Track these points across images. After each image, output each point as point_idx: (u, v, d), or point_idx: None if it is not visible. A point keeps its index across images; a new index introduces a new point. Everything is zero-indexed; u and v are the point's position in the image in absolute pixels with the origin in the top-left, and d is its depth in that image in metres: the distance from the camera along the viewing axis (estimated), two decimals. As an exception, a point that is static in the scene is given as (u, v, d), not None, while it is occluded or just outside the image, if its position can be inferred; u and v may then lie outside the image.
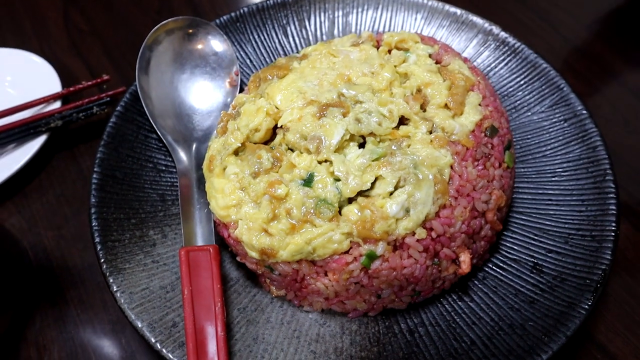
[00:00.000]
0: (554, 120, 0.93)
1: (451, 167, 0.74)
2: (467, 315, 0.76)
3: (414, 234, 0.70)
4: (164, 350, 0.69)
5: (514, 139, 0.93)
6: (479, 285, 0.79)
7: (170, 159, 0.91)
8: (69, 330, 0.82)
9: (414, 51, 0.85)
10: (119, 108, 0.92)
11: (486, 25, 1.03)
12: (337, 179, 0.72)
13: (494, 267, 0.81)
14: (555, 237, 0.81)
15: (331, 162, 0.73)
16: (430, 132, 0.76)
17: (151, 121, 0.91)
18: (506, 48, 1.01)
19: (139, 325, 0.71)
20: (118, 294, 0.73)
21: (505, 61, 1.01)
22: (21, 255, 0.87)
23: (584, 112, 0.90)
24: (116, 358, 0.79)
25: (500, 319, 0.74)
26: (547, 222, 0.83)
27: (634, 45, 1.18)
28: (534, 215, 0.84)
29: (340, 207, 0.72)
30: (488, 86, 0.84)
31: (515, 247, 0.82)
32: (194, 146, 0.91)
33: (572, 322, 0.70)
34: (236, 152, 0.79)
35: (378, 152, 0.74)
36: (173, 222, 0.85)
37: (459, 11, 1.05)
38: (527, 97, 0.96)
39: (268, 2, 1.08)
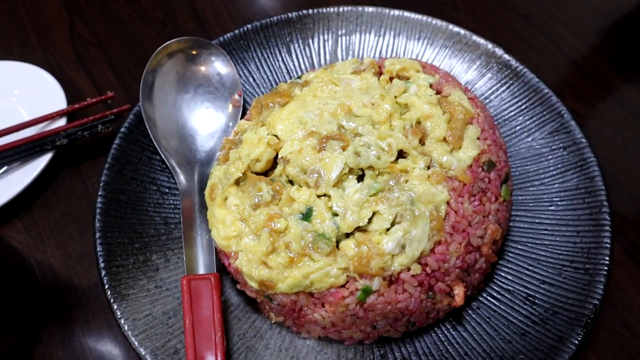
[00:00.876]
0: (553, 147, 0.94)
1: (447, 203, 0.75)
2: (459, 346, 0.78)
3: (409, 269, 0.72)
4: (165, 379, 0.72)
5: (513, 165, 0.94)
6: (473, 315, 0.81)
7: (174, 181, 0.93)
8: (75, 349, 0.85)
9: (415, 81, 0.86)
10: (122, 129, 0.94)
11: (489, 46, 1.03)
12: (335, 214, 0.74)
13: (487, 297, 0.82)
14: (549, 268, 0.82)
15: (329, 197, 0.74)
16: (428, 167, 0.77)
17: (154, 143, 0.93)
18: (508, 71, 1.01)
19: (142, 353, 0.74)
20: (122, 321, 0.76)
21: (507, 84, 1.01)
22: (27, 273, 0.90)
23: (584, 140, 0.91)
24: (120, 379, 0.82)
25: (492, 350, 0.76)
26: (542, 253, 0.84)
27: (637, 66, 1.17)
28: (529, 245, 0.86)
29: (338, 241, 0.74)
30: (487, 118, 0.85)
31: (510, 277, 0.83)
32: (197, 169, 0.93)
33: (561, 357, 0.72)
34: (237, 182, 0.81)
35: (376, 188, 0.75)
36: (176, 246, 0.87)
37: (462, 31, 1.05)
38: (528, 122, 0.97)
39: (272, 19, 1.09)
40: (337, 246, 0.74)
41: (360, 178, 0.78)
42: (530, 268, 0.83)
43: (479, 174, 0.79)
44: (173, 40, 0.97)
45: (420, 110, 0.82)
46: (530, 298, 0.80)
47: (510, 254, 0.86)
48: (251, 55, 1.07)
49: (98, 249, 0.82)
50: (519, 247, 0.86)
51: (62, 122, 1.04)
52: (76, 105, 1.05)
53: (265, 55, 1.08)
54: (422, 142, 0.80)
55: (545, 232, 0.86)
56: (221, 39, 1.05)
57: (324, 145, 0.78)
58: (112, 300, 0.78)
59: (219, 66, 0.98)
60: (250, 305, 0.83)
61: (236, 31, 1.07)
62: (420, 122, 0.82)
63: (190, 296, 0.76)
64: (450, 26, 1.06)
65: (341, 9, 1.09)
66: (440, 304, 0.77)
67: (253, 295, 0.79)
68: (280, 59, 1.08)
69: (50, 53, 1.19)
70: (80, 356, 0.84)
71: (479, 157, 0.79)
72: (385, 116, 0.81)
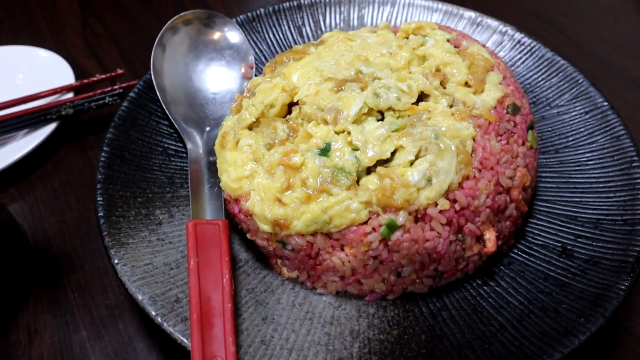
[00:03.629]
0: (574, 113, 0.91)
1: (474, 139, 0.71)
2: (493, 300, 0.70)
3: (436, 204, 0.66)
4: (165, 324, 0.64)
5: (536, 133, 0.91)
6: (505, 271, 0.74)
7: (181, 145, 0.89)
8: (64, 314, 0.76)
9: (432, 36, 0.85)
10: (131, 94, 0.91)
11: (501, 26, 1.03)
12: (356, 149, 0.69)
13: (520, 253, 0.76)
14: (584, 222, 0.76)
15: (349, 133, 0.70)
16: (451, 107, 0.74)
17: (164, 107, 0.89)
18: (522, 47, 1.00)
19: (140, 298, 0.66)
20: (119, 267, 0.69)
21: (522, 59, 1.00)
22: (20, 238, 0.83)
23: (605, 103, 0.88)
24: (112, 344, 0.73)
25: (530, 302, 0.69)
26: (574, 209, 0.79)
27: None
28: (559, 202, 0.80)
29: (359, 178, 0.69)
30: (507, 69, 0.83)
31: (542, 234, 0.77)
32: (206, 132, 0.89)
33: (609, 302, 0.65)
34: (250, 128, 0.77)
35: (398, 124, 0.71)
36: (181, 203, 0.81)
37: (473, 14, 1.06)
38: (546, 92, 0.95)
39: (284, 4, 1.10)
40: (358, 183, 0.68)
41: (380, 121, 0.74)
42: (563, 224, 0.77)
43: (504, 115, 0.75)
44: (187, 11, 0.97)
45: (439, 58, 0.80)
46: (567, 252, 0.74)
47: (540, 212, 0.80)
48: (263, 36, 1.07)
49: (98, 199, 0.76)
50: (549, 205, 0.81)
51: (69, 96, 1.01)
52: (85, 81, 1.03)
53: (278, 37, 1.08)
54: (443, 85, 0.77)
55: (575, 189, 0.81)
56: (234, 19, 1.05)
57: (342, 87, 0.75)
58: (109, 247, 0.71)
59: (232, 36, 0.98)
60: (260, 262, 0.76)
61: (249, 13, 1.07)
62: (440, 69, 0.79)
63: (196, 240, 0.69)
64: (461, 10, 1.07)
65: (353, -5, 1.10)
66: (470, 250, 0.70)
67: (264, 244, 0.72)
68: (292, 40, 1.08)
69: (62, 44, 1.19)
70: (69, 321, 0.76)
71: (503, 100, 0.76)
72: (404, 63, 0.79)
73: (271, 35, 1.07)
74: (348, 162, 0.68)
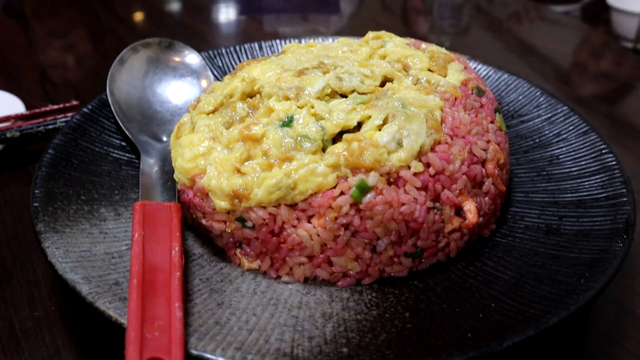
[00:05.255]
0: (537, 120, 0.91)
1: (441, 110, 0.68)
2: (481, 277, 0.62)
3: (409, 168, 0.62)
4: (98, 302, 0.53)
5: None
6: (490, 252, 0.67)
7: (134, 156, 0.83)
8: (-23, 327, 0.63)
9: (392, 41, 0.86)
10: (84, 109, 0.87)
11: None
12: (321, 118, 0.65)
13: (503, 236, 0.70)
14: (566, 204, 0.72)
15: (312, 106, 0.67)
16: (415, 84, 0.72)
17: (118, 121, 0.85)
18: (479, 72, 1.03)
19: (71, 278, 0.55)
20: (50, 250, 0.59)
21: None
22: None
23: (565, 107, 0.89)
24: (37, 357, 0.60)
25: (522, 275, 0.61)
26: (553, 196, 0.75)
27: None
28: (536, 192, 0.77)
29: (324, 148, 0.64)
30: (467, 64, 0.83)
31: (525, 218, 0.72)
32: (163, 142, 0.84)
33: (608, 262, 0.58)
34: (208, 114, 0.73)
35: (362, 98, 0.69)
36: (130, 205, 0.73)
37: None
38: (507, 107, 0.96)
39: (245, 45, 1.11)
40: (324, 152, 0.63)
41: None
42: (544, 208, 0.73)
43: (470, 95, 0.74)
44: (145, 40, 0.97)
45: (400, 53, 0.80)
46: (553, 230, 0.68)
47: (519, 201, 0.76)
48: (224, 71, 1.07)
49: (35, 191, 0.68)
50: (527, 194, 0.76)
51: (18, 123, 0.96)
52: (36, 110, 0.98)
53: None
54: (405, 71, 0.76)
55: (550, 179, 0.78)
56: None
57: (304, 73, 0.73)
58: (41, 231, 0.61)
59: (191, 58, 0.97)
60: (217, 256, 0.67)
61: (210, 51, 1.08)
62: (401, 61, 0.79)
63: (144, 218, 0.61)
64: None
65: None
66: (450, 224, 0.64)
67: (221, 227, 0.64)
68: (254, 73, 1.08)
69: (16, 89, 1.16)
70: (-18, 335, 0.62)
71: (467, 82, 0.75)
72: (365, 56, 0.79)
73: (231, 69, 1.08)
74: (312, 129, 0.64)
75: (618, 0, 1.89)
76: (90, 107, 0.87)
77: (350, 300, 0.60)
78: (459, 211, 0.65)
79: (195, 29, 1.58)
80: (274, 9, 1.81)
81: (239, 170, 0.62)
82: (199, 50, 1.00)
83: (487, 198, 0.68)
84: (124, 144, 0.85)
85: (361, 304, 0.59)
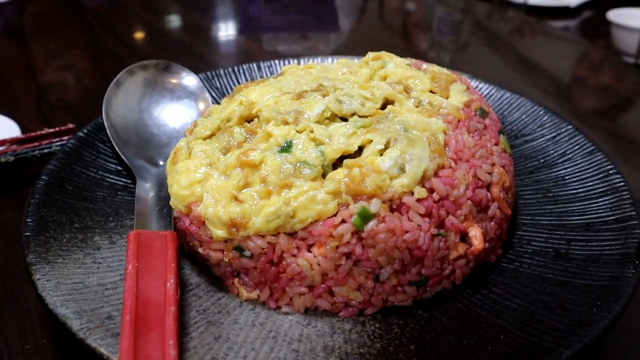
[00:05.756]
0: (541, 140, 0.89)
1: (444, 133, 0.67)
2: (489, 306, 0.60)
3: (412, 194, 0.60)
4: (89, 339, 0.50)
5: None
6: (497, 279, 0.65)
7: (130, 181, 0.81)
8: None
9: (392, 62, 0.85)
10: (80, 133, 0.85)
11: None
12: (320, 143, 0.64)
13: (510, 262, 0.67)
14: (574, 227, 0.70)
15: (312, 131, 0.65)
16: (417, 107, 0.71)
17: (114, 145, 0.83)
18: (480, 91, 1.02)
19: (62, 312, 0.53)
20: (40, 282, 0.57)
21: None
22: None
23: (570, 126, 0.87)
24: (23, 395, 0.57)
25: (531, 303, 0.59)
26: (560, 218, 0.73)
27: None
28: (543, 215, 0.75)
29: (325, 174, 0.62)
30: (470, 85, 0.82)
31: (532, 242, 0.70)
32: (159, 166, 0.82)
33: (621, 290, 0.56)
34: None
35: (363, 122, 0.67)
36: (125, 232, 0.71)
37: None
38: (510, 126, 0.94)
39: (243, 65, 1.10)
40: (324, 178, 0.62)
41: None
42: (551, 232, 0.71)
43: (473, 117, 0.72)
44: (141, 62, 0.96)
45: (400, 74, 0.79)
46: (562, 255, 0.66)
47: (525, 224, 0.74)
48: (222, 92, 1.05)
49: (27, 220, 0.66)
50: (533, 217, 0.74)
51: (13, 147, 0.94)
52: (32, 134, 0.97)
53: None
54: (407, 92, 0.75)
55: (557, 201, 0.76)
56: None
57: (303, 96, 0.72)
58: (32, 263, 0.59)
59: (188, 80, 0.96)
60: (214, 285, 0.65)
61: (208, 72, 1.07)
62: (402, 82, 0.78)
63: (138, 248, 0.59)
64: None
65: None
66: (455, 250, 0.62)
67: (219, 257, 0.62)
68: (253, 94, 1.07)
69: (13, 111, 1.15)
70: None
71: (470, 104, 0.74)
72: (365, 77, 0.78)
73: (229, 90, 1.07)
74: (312, 155, 0.62)
75: (618, 16, 1.89)
76: (85, 131, 0.86)
77: (353, 332, 0.58)
78: (464, 237, 0.63)
79: (195, 49, 1.58)
80: (273, 27, 1.81)
81: (236, 198, 0.60)
82: (197, 70, 0.99)
83: (493, 223, 0.66)
84: (119, 168, 0.83)
85: (364, 336, 0.57)
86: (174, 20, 1.86)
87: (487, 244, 0.64)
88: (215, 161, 0.65)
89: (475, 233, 0.62)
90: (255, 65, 1.10)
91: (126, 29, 1.72)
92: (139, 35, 1.74)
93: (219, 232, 0.60)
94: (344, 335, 0.57)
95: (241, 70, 1.08)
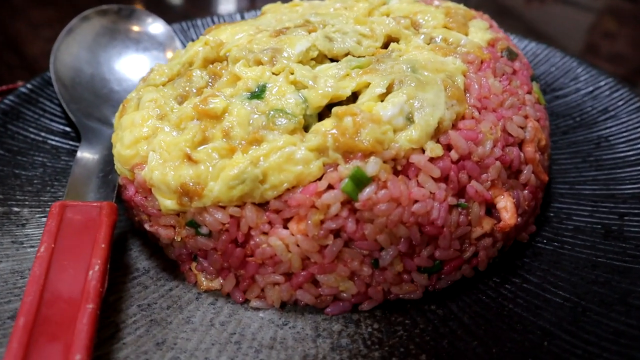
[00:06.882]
0: (575, 95, 0.75)
1: (464, 75, 0.51)
2: (523, 299, 0.46)
3: (423, 151, 0.45)
4: (-23, 348, 0.37)
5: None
6: (533, 263, 0.50)
7: (78, 144, 0.67)
8: None
9: (396, -2, 0.69)
10: (22, 88, 0.71)
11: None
12: (303, 87, 0.49)
13: (547, 241, 0.53)
14: (626, 199, 0.56)
15: (292, 72, 0.50)
16: (429, 44, 0.56)
17: (62, 103, 0.69)
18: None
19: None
20: None
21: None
22: None
23: (610, 79, 0.72)
24: None
25: (581, 297, 0.44)
26: (607, 187, 0.58)
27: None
28: (583, 182, 0.60)
29: (307, 128, 0.47)
30: (494, 23, 0.66)
31: (574, 217, 0.55)
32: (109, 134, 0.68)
33: None
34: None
35: (359, 61, 0.52)
36: (62, 205, 0.57)
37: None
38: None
39: (223, 17, 0.95)
40: (306, 131, 0.47)
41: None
42: (596, 204, 0.56)
43: (500, 58, 0.57)
44: (100, 6, 0.80)
45: (406, 9, 0.63)
46: (613, 233, 0.51)
47: (563, 195, 0.59)
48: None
49: None
50: (571, 186, 0.60)
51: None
52: (-27, 92, 0.82)
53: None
54: (415, 29, 0.59)
55: (600, 167, 0.62)
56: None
57: (283, 32, 0.56)
58: None
59: (153, 26, 0.81)
60: (166, 272, 0.50)
61: (183, 23, 0.92)
62: (409, 17, 0.62)
63: (60, 223, 0.44)
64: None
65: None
66: (479, 227, 0.47)
67: (169, 234, 0.48)
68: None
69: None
70: None
71: (495, 42, 0.58)
72: (364, 12, 0.62)
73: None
74: (290, 101, 0.47)
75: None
76: (29, 86, 0.71)
77: (344, 335, 0.43)
78: (490, 209, 0.48)
79: None
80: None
81: (190, 158, 0.46)
82: (169, 22, 0.84)
83: (526, 191, 0.51)
84: (68, 129, 0.69)
85: (358, 341, 0.43)
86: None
87: (519, 219, 0.50)
88: (168, 112, 0.50)
89: (506, 204, 0.48)
90: (239, 15, 0.95)
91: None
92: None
93: (168, 203, 0.46)
94: (332, 339, 0.43)
95: (222, 21, 0.93)
